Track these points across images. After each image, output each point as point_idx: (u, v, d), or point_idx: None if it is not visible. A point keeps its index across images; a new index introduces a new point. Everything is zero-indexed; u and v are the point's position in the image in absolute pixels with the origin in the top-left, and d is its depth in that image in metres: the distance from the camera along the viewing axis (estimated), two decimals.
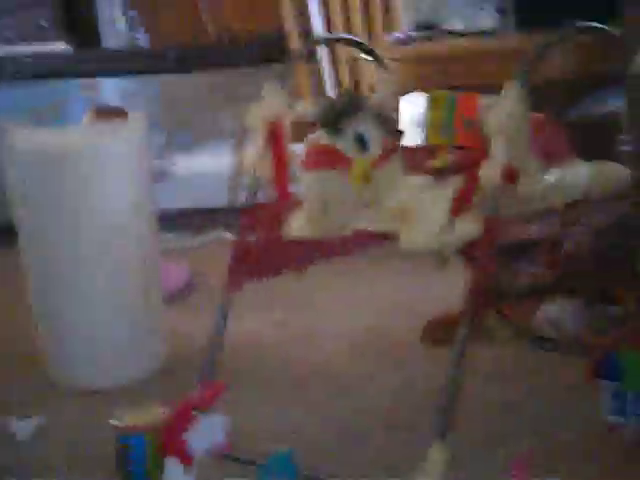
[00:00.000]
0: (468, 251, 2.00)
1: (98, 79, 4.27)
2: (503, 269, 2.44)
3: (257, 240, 2.41)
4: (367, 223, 2.13)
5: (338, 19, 3.50)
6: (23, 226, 2.75)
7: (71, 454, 2.34)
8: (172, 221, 4.18)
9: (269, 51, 4.06)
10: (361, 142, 2.06)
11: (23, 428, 2.45)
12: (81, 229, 2.65)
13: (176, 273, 3.51)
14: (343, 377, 2.66)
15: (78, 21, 5.36)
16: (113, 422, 2.07)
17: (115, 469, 2.06)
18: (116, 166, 2.68)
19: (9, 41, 4.73)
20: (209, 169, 4.40)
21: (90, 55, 4.29)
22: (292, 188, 2.32)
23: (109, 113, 3.19)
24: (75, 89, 4.24)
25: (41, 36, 5.00)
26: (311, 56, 3.44)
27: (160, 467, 1.94)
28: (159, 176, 4.25)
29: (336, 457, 2.22)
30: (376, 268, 3.46)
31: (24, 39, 4.81)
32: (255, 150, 2.36)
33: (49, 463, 2.31)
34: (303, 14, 3.51)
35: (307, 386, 2.62)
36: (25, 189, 2.70)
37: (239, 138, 4.21)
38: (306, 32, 3.50)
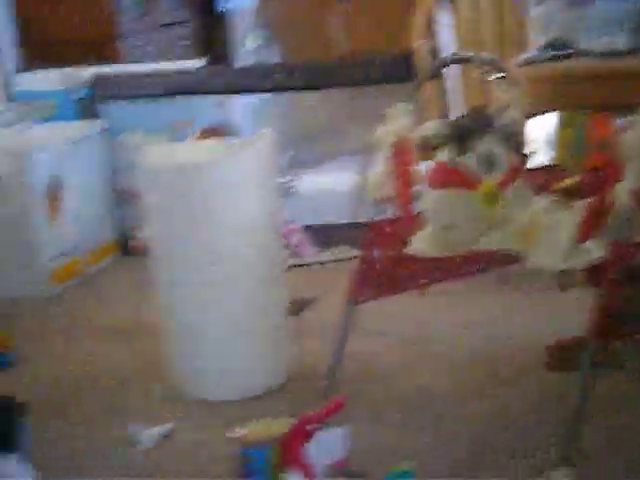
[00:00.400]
0: (595, 274, 1.96)
1: (228, 96, 4.36)
2: (631, 294, 2.38)
3: (380, 257, 2.42)
4: (492, 243, 2.11)
5: (468, 37, 3.48)
6: (154, 240, 2.82)
7: (194, 462, 2.39)
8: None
9: (397, 70, 4.06)
10: (488, 162, 2.04)
11: (149, 436, 2.51)
12: (209, 242, 2.71)
13: None
14: (458, 398, 2.64)
15: (212, 39, 5.50)
16: (235, 434, 2.11)
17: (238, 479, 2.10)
18: (244, 180, 2.72)
19: (146, 58, 4.88)
20: (333, 186, 4.43)
21: (221, 72, 4.38)
22: (416, 206, 2.31)
23: (214, 133, 3.26)
24: (206, 106, 4.34)
25: (178, 54, 5.15)
26: (439, 75, 3.43)
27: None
28: (284, 193, 4.31)
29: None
30: (497, 289, 3.43)
31: (162, 56, 4.96)
32: (380, 168, 2.37)
33: (172, 470, 2.36)
34: (433, 33, 3.51)
35: (423, 405, 2.61)
36: (156, 202, 2.77)
37: (364, 156, 4.26)
38: (435, 51, 3.49)
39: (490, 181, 2.04)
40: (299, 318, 3.32)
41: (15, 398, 2.37)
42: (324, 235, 4.30)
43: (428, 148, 2.42)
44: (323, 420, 2.00)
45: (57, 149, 3.98)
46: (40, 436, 2.45)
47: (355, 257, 2.56)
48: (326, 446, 1.97)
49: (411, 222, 2.23)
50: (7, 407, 2.32)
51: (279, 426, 2.10)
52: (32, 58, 4.65)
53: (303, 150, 4.47)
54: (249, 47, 5.56)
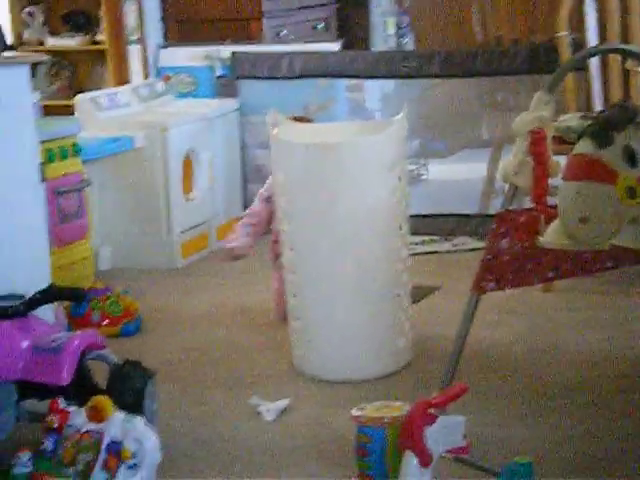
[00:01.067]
0: None
1: (363, 80, 4.37)
2: None
3: (508, 248, 2.38)
4: (629, 240, 2.06)
5: (614, 29, 3.39)
6: (283, 217, 2.85)
7: (311, 438, 2.42)
8: (422, 225, 4.22)
9: (538, 60, 3.99)
10: (630, 156, 1.99)
11: (270, 410, 2.55)
12: (334, 222, 2.71)
13: None
14: (579, 395, 2.59)
15: (351, 23, 5.51)
16: (354, 413, 2.13)
17: (354, 457, 2.11)
18: (373, 163, 2.73)
19: (284, 39, 4.93)
20: (462, 176, 4.40)
21: (358, 56, 4.39)
22: (550, 199, 2.28)
23: (299, 121, 3.26)
24: (341, 89, 4.37)
25: (316, 36, 5.18)
26: (582, 67, 3.36)
27: (398, 462, 1.96)
28: (412, 180, 4.30)
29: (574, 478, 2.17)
30: (626, 288, 3.35)
31: (300, 38, 5.00)
32: (515, 158, 2.34)
33: (290, 445, 2.39)
34: (578, 23, 3.43)
35: (543, 400, 2.57)
36: (286, 180, 2.80)
37: (497, 146, 4.20)
38: (579, 42, 3.41)
39: (631, 176, 1.99)
40: (421, 305, 3.32)
41: (141, 364, 2.44)
42: (449, 225, 4.27)
43: (567, 139, 2.38)
44: (444, 406, 2.00)
45: (194, 125, 4.07)
46: (164, 401, 2.52)
47: (479, 248, 2.53)
48: (446, 432, 1.96)
49: (545, 213, 2.19)
50: (135, 372, 2.39)
51: (397, 409, 2.11)
52: (175, 35, 4.76)
53: (433, 137, 4.45)
54: (387, 32, 5.56)
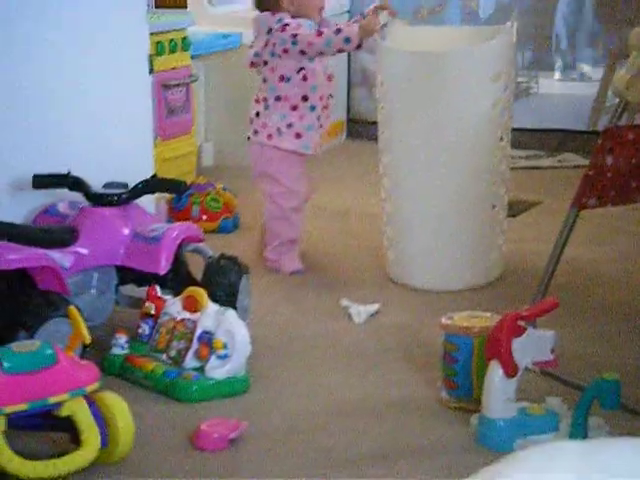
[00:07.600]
0: None
1: None
2: None
3: (613, 164, 2.33)
4: None
5: None
6: (384, 122, 2.83)
7: (399, 341, 2.44)
8: (529, 139, 4.14)
9: None
10: None
11: (360, 313, 2.58)
12: (434, 130, 2.68)
13: None
14: None
15: None
16: (443, 321, 2.13)
17: (440, 364, 2.12)
18: (478, 73, 2.67)
19: None
20: (573, 90, 4.29)
21: None
22: None
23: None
24: None
25: None
26: None
27: (483, 371, 1.97)
28: (522, 93, 4.21)
29: None
30: None
31: None
32: (628, 72, 2.26)
33: (376, 348, 2.42)
34: None
35: (634, 320, 2.52)
36: (389, 84, 2.77)
37: (611, 60, 4.07)
38: None
39: None
40: (520, 219, 3.29)
41: (237, 259, 2.48)
42: (556, 140, 4.19)
43: None
44: (534, 319, 1.99)
45: None
46: (257, 297, 2.57)
47: (584, 165, 2.47)
48: (534, 345, 1.95)
49: None
50: (230, 267, 2.44)
51: (486, 319, 2.11)
52: None
53: (547, 51, 4.33)
54: None
